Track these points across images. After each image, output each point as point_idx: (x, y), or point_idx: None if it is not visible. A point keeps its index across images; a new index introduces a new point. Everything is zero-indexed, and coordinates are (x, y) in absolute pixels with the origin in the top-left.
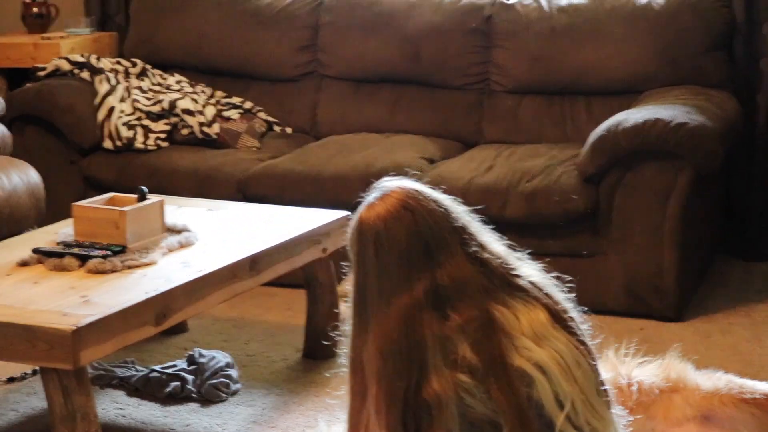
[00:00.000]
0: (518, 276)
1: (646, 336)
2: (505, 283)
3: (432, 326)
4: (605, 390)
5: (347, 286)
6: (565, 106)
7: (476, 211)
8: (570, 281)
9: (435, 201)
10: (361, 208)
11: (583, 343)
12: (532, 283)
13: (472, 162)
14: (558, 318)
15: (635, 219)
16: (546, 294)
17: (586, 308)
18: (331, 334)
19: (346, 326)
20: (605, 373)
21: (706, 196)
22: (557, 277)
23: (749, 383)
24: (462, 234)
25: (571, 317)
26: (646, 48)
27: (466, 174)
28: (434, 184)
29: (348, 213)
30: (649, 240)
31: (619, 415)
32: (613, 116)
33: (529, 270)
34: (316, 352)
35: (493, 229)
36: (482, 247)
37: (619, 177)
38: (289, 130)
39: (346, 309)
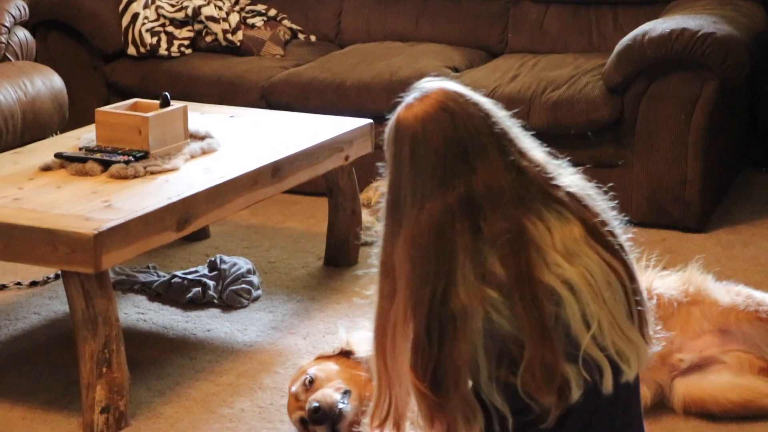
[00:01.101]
0: (557, 186)
1: (668, 246)
2: (541, 193)
3: (463, 235)
4: (639, 310)
5: (381, 187)
6: (591, 15)
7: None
8: (607, 190)
9: (475, 104)
10: (399, 108)
11: (620, 258)
12: (570, 194)
13: (496, 71)
14: (594, 232)
15: (660, 130)
16: (584, 206)
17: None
18: (355, 242)
19: (379, 227)
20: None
21: (731, 108)
22: (598, 187)
23: None
24: (501, 140)
25: (609, 231)
26: None
27: (491, 83)
28: None
29: (371, 121)
30: (674, 151)
31: (655, 334)
32: (640, 26)
33: (568, 179)
34: (338, 259)
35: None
36: (521, 154)
37: (644, 87)
38: (313, 38)
39: (374, 212)
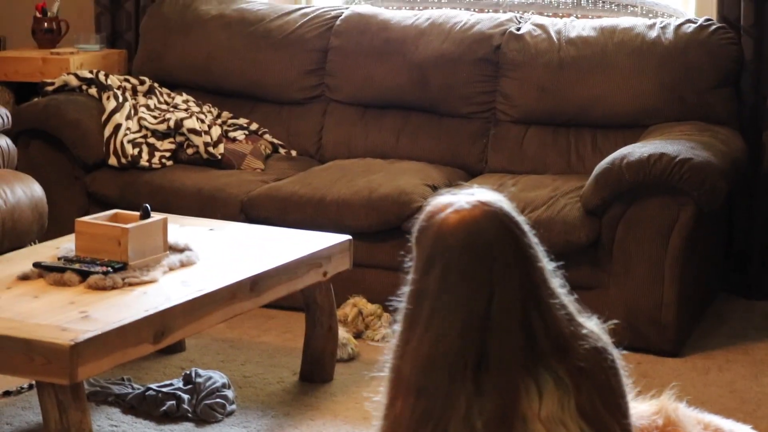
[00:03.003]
0: (567, 358)
1: (643, 370)
2: (547, 361)
3: (466, 387)
4: None
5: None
6: (570, 137)
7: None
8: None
9: (520, 247)
10: (445, 206)
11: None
12: (579, 367)
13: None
14: (587, 409)
15: (636, 253)
16: (588, 377)
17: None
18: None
19: (396, 327)
20: None
21: (707, 232)
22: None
23: None
24: (530, 292)
25: (608, 409)
26: (653, 83)
27: None
28: None
29: (350, 237)
30: (650, 274)
31: None
32: (618, 150)
33: (585, 338)
34: (313, 375)
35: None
36: (546, 311)
37: (621, 210)
38: (294, 152)
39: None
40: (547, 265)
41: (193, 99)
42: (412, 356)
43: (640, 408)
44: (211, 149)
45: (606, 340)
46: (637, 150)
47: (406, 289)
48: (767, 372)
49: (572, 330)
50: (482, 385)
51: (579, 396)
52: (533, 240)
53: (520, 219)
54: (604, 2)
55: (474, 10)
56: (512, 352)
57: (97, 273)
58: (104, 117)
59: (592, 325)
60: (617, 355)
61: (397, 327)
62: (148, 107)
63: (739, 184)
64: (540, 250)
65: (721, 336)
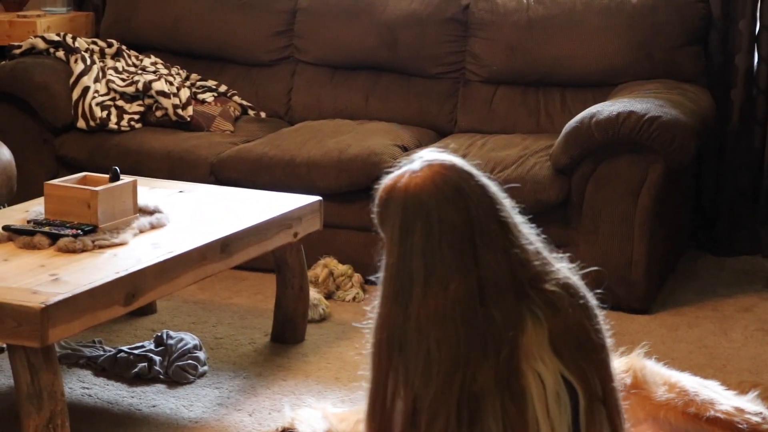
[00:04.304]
0: (541, 288)
1: (613, 328)
2: (525, 291)
3: (487, 322)
4: (580, 423)
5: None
6: (539, 97)
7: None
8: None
9: (483, 187)
10: (400, 176)
11: (581, 375)
12: (550, 298)
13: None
14: (559, 342)
15: (606, 211)
16: (560, 310)
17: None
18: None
19: (376, 302)
20: None
21: (676, 190)
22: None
23: (707, 397)
24: (507, 230)
25: (579, 344)
26: (621, 41)
27: None
28: None
29: (320, 198)
30: (620, 232)
31: None
32: (587, 108)
33: (556, 276)
34: (285, 336)
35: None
36: (520, 246)
37: (591, 169)
38: (263, 114)
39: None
40: (510, 207)
41: (161, 61)
42: (418, 316)
43: None
44: (180, 111)
45: (577, 282)
46: (606, 108)
47: (386, 264)
48: (736, 328)
49: (542, 263)
50: (491, 318)
51: (552, 333)
52: (490, 183)
53: (485, 180)
54: None
55: None
56: (505, 280)
57: (67, 236)
58: (72, 80)
59: (562, 265)
60: (592, 299)
61: (379, 302)
62: (116, 70)
63: (708, 141)
64: (500, 193)
65: (690, 292)
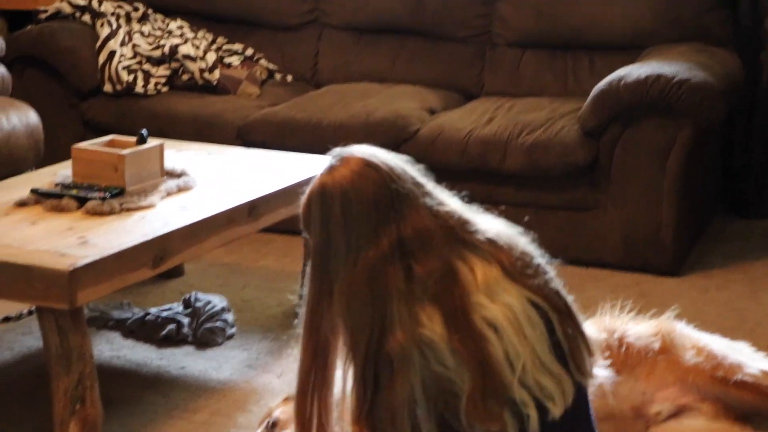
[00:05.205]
0: (474, 231)
1: (642, 290)
2: (461, 237)
3: (396, 279)
4: (569, 343)
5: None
6: (567, 60)
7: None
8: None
9: (392, 160)
10: (319, 175)
11: (542, 294)
12: (488, 238)
13: (472, 114)
14: (512, 271)
15: (635, 174)
16: (502, 246)
17: (582, 261)
18: None
19: (305, 291)
20: (596, 333)
21: (705, 152)
22: (527, 227)
23: (735, 360)
24: (421, 188)
25: (530, 269)
26: (650, 4)
27: (467, 125)
28: (434, 134)
29: None
30: (648, 195)
31: (595, 372)
32: (616, 71)
33: (486, 223)
34: None
35: (491, 180)
36: (440, 202)
37: (619, 132)
38: (289, 78)
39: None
40: (423, 175)
41: (187, 25)
42: (337, 296)
43: (638, 328)
44: (206, 75)
45: (503, 229)
46: (635, 71)
47: (312, 258)
48: (766, 290)
49: (465, 214)
50: (414, 272)
51: (502, 264)
52: (413, 168)
53: (392, 155)
54: None
55: None
56: (429, 231)
57: (95, 199)
58: (98, 44)
59: (488, 219)
60: (520, 231)
61: (308, 287)
62: (142, 33)
63: (737, 104)
64: (411, 164)
65: (720, 255)
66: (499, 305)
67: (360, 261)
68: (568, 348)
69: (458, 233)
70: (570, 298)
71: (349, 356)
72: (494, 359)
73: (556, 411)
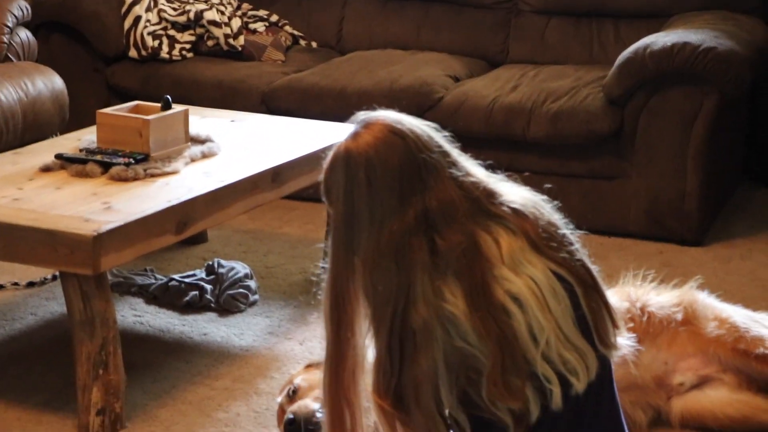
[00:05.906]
0: (499, 201)
1: (665, 259)
2: (486, 208)
3: (420, 252)
4: (594, 316)
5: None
6: (592, 28)
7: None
8: (583, 201)
9: (418, 126)
10: (343, 141)
11: (567, 266)
12: (512, 208)
13: (497, 81)
14: (537, 243)
15: (659, 143)
16: (528, 216)
17: (605, 230)
18: None
19: (326, 262)
20: (619, 302)
21: (730, 121)
22: (550, 196)
23: (757, 334)
24: (447, 157)
25: (555, 240)
26: None
27: (491, 93)
28: (459, 102)
29: None
30: (673, 164)
31: (619, 343)
32: (641, 39)
33: (511, 193)
34: None
35: (515, 148)
36: (466, 172)
37: (644, 100)
38: (314, 44)
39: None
40: (448, 142)
41: None
42: (360, 267)
43: (661, 298)
44: (231, 41)
45: (529, 198)
46: (661, 39)
47: (333, 227)
48: None
49: (492, 184)
50: (438, 246)
51: (528, 236)
52: (439, 135)
53: (418, 122)
54: None
55: None
56: (454, 203)
57: (119, 164)
58: (124, 9)
59: (513, 187)
60: (545, 199)
61: (330, 257)
62: None
63: (763, 73)
64: (437, 131)
65: (743, 225)
66: (524, 278)
67: (384, 232)
68: (593, 321)
69: (483, 204)
70: (595, 270)
71: (373, 329)
72: (517, 334)
73: (579, 386)
